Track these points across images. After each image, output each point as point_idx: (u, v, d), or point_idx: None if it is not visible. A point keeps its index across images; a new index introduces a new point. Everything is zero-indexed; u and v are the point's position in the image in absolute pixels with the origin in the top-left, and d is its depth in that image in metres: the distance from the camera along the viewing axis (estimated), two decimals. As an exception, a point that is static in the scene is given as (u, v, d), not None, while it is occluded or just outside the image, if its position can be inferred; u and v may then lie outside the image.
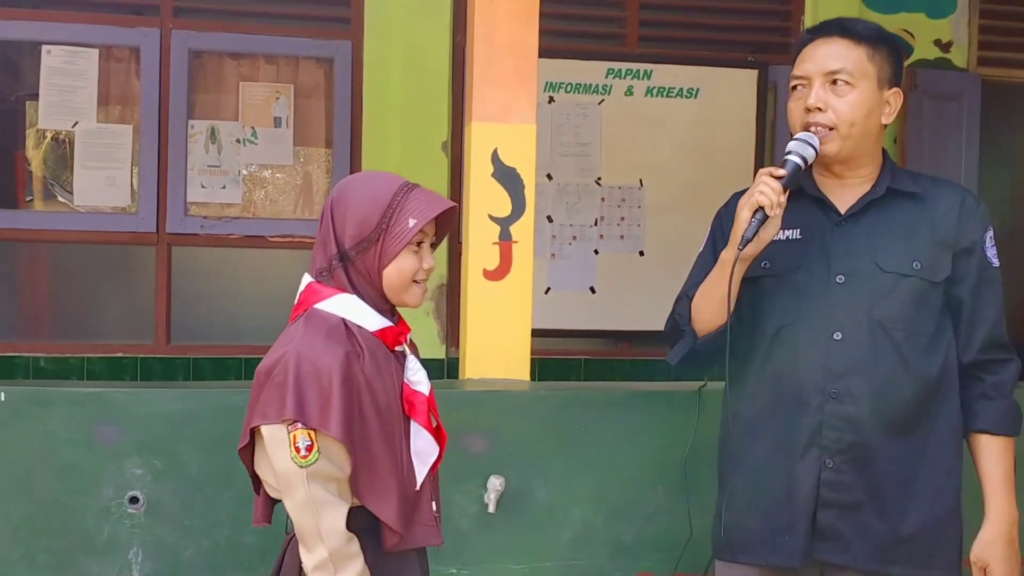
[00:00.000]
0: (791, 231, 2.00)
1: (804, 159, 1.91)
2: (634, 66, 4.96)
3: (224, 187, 4.76)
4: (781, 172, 1.90)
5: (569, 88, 4.93)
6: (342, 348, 1.65)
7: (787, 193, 1.90)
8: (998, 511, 1.96)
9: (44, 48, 4.58)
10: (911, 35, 5.26)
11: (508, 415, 2.49)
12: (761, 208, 1.88)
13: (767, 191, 1.88)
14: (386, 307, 1.78)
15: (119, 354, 4.66)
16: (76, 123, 4.63)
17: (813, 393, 1.94)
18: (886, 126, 2.02)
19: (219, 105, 4.78)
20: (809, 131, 1.95)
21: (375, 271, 1.73)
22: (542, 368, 3.92)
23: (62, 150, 4.65)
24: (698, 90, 4.94)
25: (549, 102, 4.89)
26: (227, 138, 4.75)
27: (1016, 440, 2.01)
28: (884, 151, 2.05)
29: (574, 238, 4.99)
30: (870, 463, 1.91)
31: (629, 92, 4.97)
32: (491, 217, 2.75)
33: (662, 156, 4.95)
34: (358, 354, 1.68)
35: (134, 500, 2.33)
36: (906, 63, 5.23)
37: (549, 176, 4.89)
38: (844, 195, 2.00)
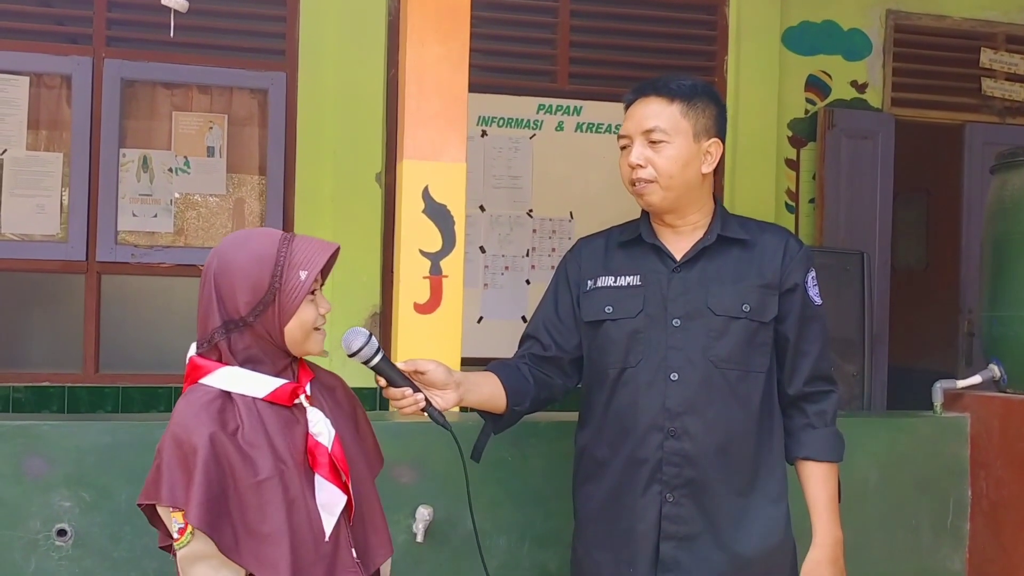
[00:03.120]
0: (631, 277, 2.11)
1: (377, 348, 1.85)
2: (564, 102, 5.10)
3: (156, 216, 4.75)
4: (382, 382, 1.88)
5: (502, 122, 5.03)
6: (208, 428, 1.62)
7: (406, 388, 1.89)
8: (824, 533, 2.09)
9: (-27, 76, 4.56)
10: (829, 76, 5.49)
11: (436, 446, 2.54)
12: (424, 409, 1.89)
13: (406, 408, 1.88)
14: (285, 362, 1.76)
15: (46, 383, 4.61)
16: (5, 151, 4.60)
17: (653, 431, 2.04)
18: (715, 173, 2.13)
19: (151, 134, 4.78)
20: (634, 186, 2.08)
21: (276, 330, 1.70)
22: (473, 397, 3.97)
23: (-12, 174, 4.61)
24: (626, 126, 5.08)
25: (482, 135, 4.99)
26: (159, 167, 4.75)
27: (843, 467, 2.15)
28: (716, 198, 2.17)
29: (506, 268, 5.08)
30: (707, 496, 2.03)
31: (560, 127, 5.11)
32: (422, 252, 2.82)
33: (591, 189, 5.09)
34: (234, 429, 1.66)
35: (62, 533, 2.32)
36: (824, 103, 5.47)
37: (482, 208, 4.98)
38: (678, 242, 2.11)
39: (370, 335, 1.83)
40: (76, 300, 4.70)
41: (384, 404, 4.56)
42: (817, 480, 2.10)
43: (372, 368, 1.86)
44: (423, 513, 2.50)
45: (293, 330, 1.72)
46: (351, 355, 1.83)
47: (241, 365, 1.71)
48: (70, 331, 4.72)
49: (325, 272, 1.81)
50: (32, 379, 4.61)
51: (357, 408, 1.94)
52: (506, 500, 2.59)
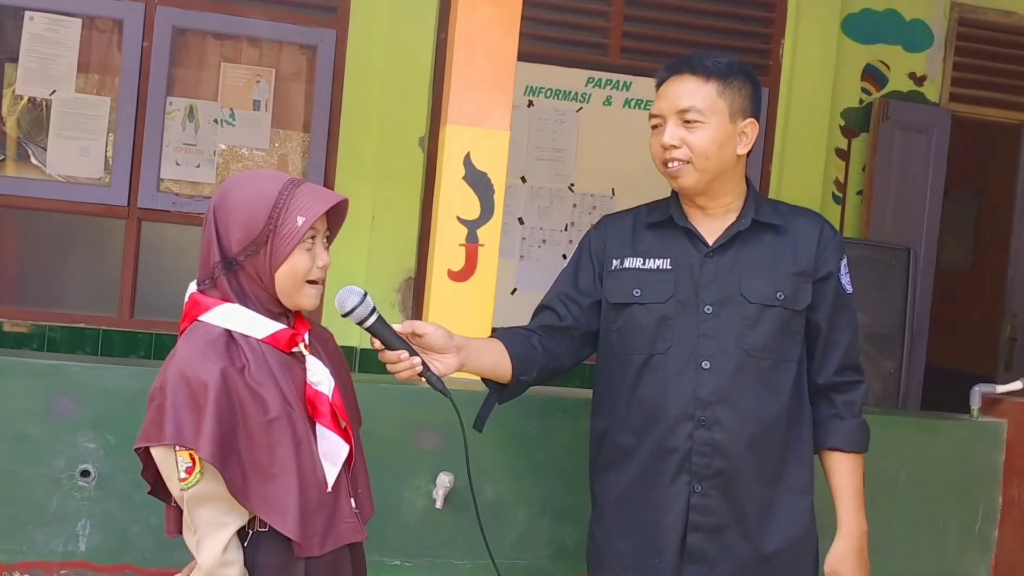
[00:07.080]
0: (661, 260, 2.05)
1: (372, 308, 1.77)
2: (614, 76, 5.03)
3: (198, 166, 4.76)
4: (377, 345, 1.81)
5: (549, 93, 4.98)
6: (218, 364, 1.59)
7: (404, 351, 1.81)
8: (849, 525, 2.06)
9: (27, 14, 4.57)
10: (887, 66, 5.37)
11: (461, 414, 2.53)
12: (422, 374, 1.82)
13: (402, 372, 1.81)
14: (279, 310, 1.71)
15: (81, 324, 4.65)
16: (54, 91, 4.62)
17: (683, 420, 1.99)
18: (749, 155, 2.06)
19: (199, 84, 4.78)
20: (667, 167, 2.01)
21: (267, 274, 1.66)
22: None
23: (38, 112, 4.63)
24: (675, 104, 5.00)
25: (528, 106, 4.94)
26: (205, 117, 4.76)
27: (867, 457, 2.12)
28: (748, 180, 2.10)
29: (544, 241, 5.04)
30: (735, 487, 1.99)
31: (608, 102, 5.04)
32: (459, 219, 2.79)
33: (636, 167, 4.99)
34: (242, 367, 1.62)
35: (85, 473, 2.34)
36: (880, 94, 5.34)
37: (523, 179, 4.94)
38: (711, 225, 2.05)
39: (365, 294, 1.76)
40: (115, 244, 4.74)
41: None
42: (844, 471, 2.07)
43: (367, 329, 1.78)
44: (444, 480, 2.48)
45: (284, 277, 1.67)
46: (344, 315, 1.76)
47: (241, 304, 1.68)
48: (108, 275, 4.76)
49: (335, 227, 1.77)
50: (67, 319, 4.66)
51: (344, 364, 1.89)
52: (528, 473, 2.57)
